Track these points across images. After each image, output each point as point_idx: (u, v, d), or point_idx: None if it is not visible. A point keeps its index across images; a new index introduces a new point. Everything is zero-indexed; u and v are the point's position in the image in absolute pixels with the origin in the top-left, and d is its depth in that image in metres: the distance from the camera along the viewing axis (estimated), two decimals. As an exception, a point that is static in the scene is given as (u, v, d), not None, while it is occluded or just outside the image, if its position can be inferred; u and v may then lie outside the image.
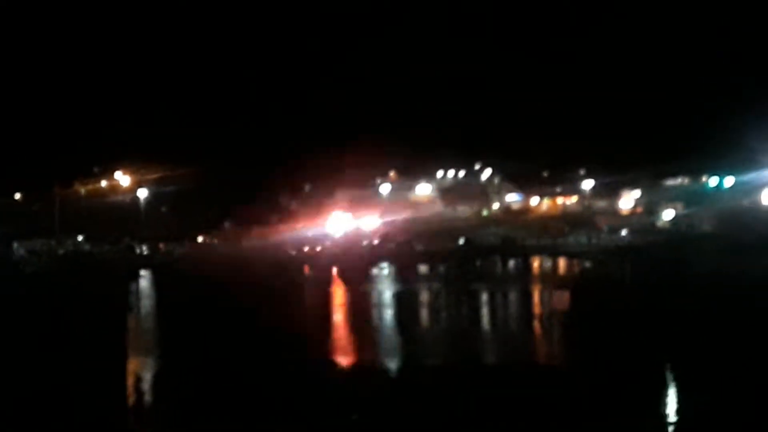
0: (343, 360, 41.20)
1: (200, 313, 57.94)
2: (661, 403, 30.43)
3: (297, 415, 29.39)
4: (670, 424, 28.14)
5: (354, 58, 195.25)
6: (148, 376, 37.88)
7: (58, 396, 32.29)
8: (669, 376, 34.93)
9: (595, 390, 32.01)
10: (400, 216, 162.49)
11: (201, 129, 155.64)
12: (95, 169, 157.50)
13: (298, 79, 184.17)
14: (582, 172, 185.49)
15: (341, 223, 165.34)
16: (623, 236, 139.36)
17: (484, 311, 65.03)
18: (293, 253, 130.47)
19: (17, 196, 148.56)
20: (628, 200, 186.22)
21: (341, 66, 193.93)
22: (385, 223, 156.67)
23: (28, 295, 75.24)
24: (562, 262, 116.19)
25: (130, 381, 36.77)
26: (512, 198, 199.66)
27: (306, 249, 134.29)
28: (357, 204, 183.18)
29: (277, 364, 38.26)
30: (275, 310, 60.85)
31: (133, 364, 40.70)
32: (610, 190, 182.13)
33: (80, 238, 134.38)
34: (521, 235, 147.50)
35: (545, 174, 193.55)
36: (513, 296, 75.37)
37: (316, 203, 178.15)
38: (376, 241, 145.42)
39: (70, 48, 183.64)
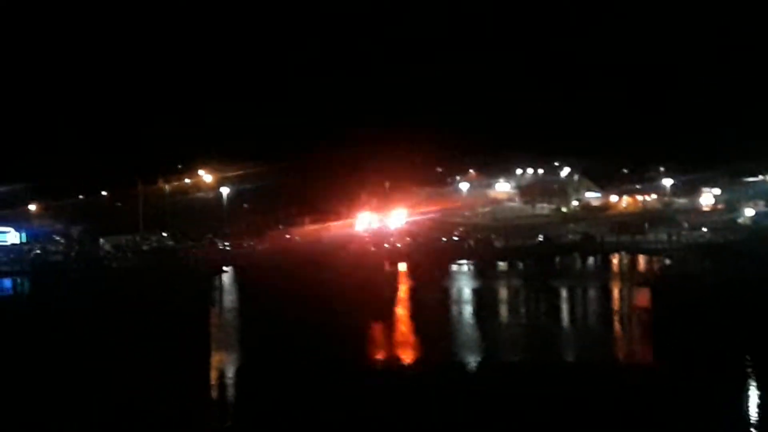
0: (414, 359, 41.78)
1: (287, 311, 58.52)
2: (746, 401, 30.69)
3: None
4: (754, 423, 28.37)
5: (433, 59, 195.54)
6: (233, 372, 38.74)
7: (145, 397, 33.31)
8: (753, 373, 35.11)
9: (677, 388, 32.26)
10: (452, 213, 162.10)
11: (281, 127, 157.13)
12: (179, 167, 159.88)
13: (378, 79, 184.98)
14: (662, 169, 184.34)
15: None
16: (704, 233, 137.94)
17: (564, 308, 65.30)
18: (373, 248, 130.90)
19: (103, 192, 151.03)
20: (708, 197, 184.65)
21: (420, 66, 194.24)
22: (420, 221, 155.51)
23: (112, 290, 76.41)
24: (641, 260, 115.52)
25: (214, 376, 37.64)
26: (591, 195, 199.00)
27: (386, 245, 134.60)
28: (435, 201, 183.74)
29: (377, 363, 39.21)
30: (361, 308, 61.45)
31: (217, 360, 41.54)
32: (690, 187, 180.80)
33: (164, 234, 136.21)
34: (600, 233, 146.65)
35: (625, 171, 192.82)
36: (593, 293, 75.44)
37: (395, 199, 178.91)
38: (455, 238, 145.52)
39: (155, 46, 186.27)
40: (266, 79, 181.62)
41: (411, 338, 47.69)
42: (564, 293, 74.29)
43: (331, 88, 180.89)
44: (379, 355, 42.84)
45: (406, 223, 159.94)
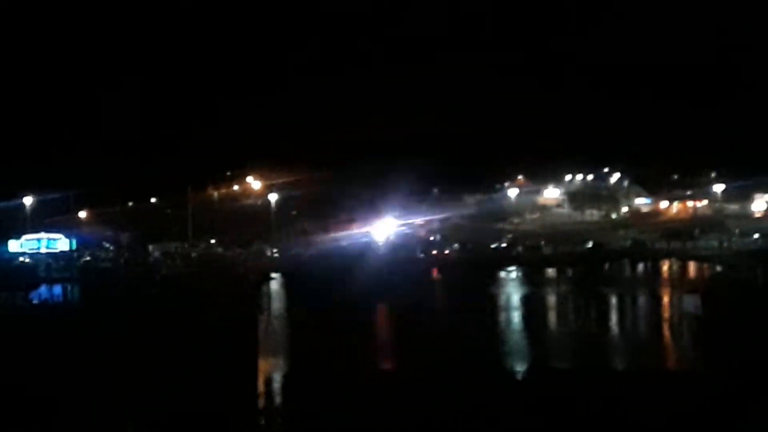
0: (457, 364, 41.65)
1: (338, 317, 58.59)
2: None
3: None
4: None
5: (481, 67, 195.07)
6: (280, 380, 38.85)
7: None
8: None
9: (727, 396, 31.96)
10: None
11: (329, 134, 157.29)
12: (228, 174, 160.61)
13: (422, 86, 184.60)
14: (713, 175, 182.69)
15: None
16: (755, 240, 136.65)
17: (613, 316, 64.93)
18: (421, 255, 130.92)
19: (152, 199, 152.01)
20: (760, 203, 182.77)
21: (470, 74, 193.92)
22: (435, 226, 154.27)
23: (161, 297, 76.73)
24: (692, 266, 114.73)
25: (263, 381, 37.78)
26: (641, 201, 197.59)
27: (434, 252, 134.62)
28: (483, 207, 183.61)
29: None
30: (411, 315, 61.58)
31: (265, 366, 41.66)
32: (741, 193, 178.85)
33: (212, 240, 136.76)
34: (651, 239, 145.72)
35: (675, 177, 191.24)
36: (643, 300, 74.97)
37: (442, 206, 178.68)
38: (504, 245, 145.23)
39: (207, 54, 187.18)
40: (313, 89, 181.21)
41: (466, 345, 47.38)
42: (614, 300, 73.85)
43: (374, 95, 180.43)
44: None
45: (454, 229, 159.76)
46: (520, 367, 40.42)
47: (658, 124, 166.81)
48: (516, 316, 64.28)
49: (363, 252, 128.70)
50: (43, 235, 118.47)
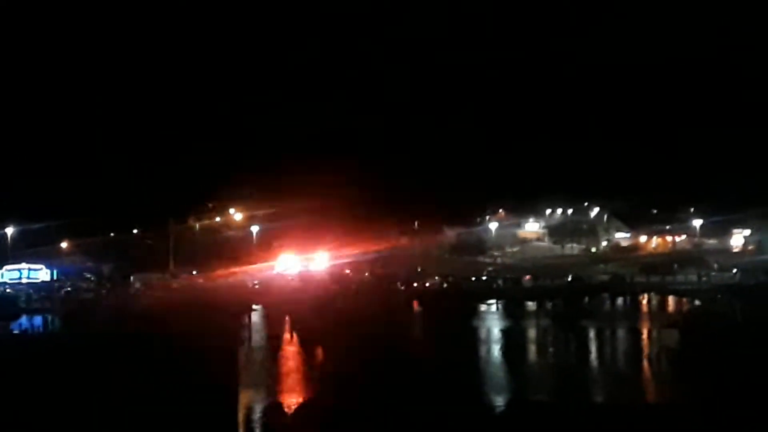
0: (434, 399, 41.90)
1: (323, 351, 58.90)
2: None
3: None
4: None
5: (464, 100, 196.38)
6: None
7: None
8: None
9: (704, 428, 32.36)
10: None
11: (310, 167, 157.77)
12: (209, 205, 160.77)
13: (410, 114, 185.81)
14: (692, 210, 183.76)
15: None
16: (734, 275, 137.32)
17: (593, 349, 65.35)
18: (402, 287, 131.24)
19: (134, 230, 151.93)
20: (738, 238, 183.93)
21: (455, 103, 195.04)
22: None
23: (141, 328, 76.66)
24: (671, 300, 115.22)
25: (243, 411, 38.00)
26: (621, 235, 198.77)
27: (415, 284, 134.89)
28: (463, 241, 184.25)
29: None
30: (392, 345, 61.93)
31: (244, 398, 41.91)
32: (720, 228, 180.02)
33: (194, 272, 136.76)
34: (630, 273, 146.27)
35: (654, 212, 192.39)
36: (622, 334, 75.39)
37: (424, 239, 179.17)
38: (484, 277, 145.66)
39: (190, 81, 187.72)
40: (295, 116, 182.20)
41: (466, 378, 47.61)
42: (593, 334, 74.29)
43: (359, 122, 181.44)
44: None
45: (435, 261, 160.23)
46: (500, 400, 40.65)
47: (638, 159, 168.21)
48: (496, 349, 64.59)
49: (345, 285, 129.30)
50: (24, 265, 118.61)
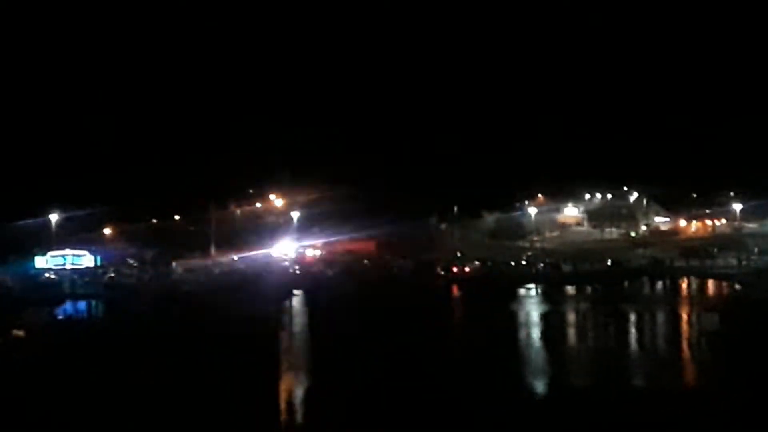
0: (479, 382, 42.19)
1: (358, 333, 59.25)
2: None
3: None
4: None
5: (502, 85, 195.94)
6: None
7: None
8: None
9: (744, 414, 32.43)
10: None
11: (350, 152, 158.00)
12: (250, 191, 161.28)
13: (450, 99, 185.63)
14: (732, 194, 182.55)
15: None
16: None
17: (633, 333, 65.37)
18: (441, 273, 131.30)
19: (176, 216, 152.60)
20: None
21: (498, 90, 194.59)
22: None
23: (185, 313, 77.28)
24: (711, 284, 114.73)
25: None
26: (660, 220, 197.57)
27: (454, 269, 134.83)
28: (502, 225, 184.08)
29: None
30: (435, 330, 62.38)
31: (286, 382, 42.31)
32: (760, 211, 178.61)
33: (235, 257, 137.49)
34: (669, 257, 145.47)
35: (694, 196, 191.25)
36: (662, 318, 75.30)
37: (462, 225, 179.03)
38: (523, 262, 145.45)
39: (233, 72, 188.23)
40: (337, 104, 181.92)
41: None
42: (633, 318, 74.26)
43: (398, 108, 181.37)
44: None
45: (474, 246, 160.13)
46: (541, 384, 40.97)
47: (678, 143, 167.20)
48: (536, 333, 64.85)
49: (384, 269, 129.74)
50: (68, 251, 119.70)
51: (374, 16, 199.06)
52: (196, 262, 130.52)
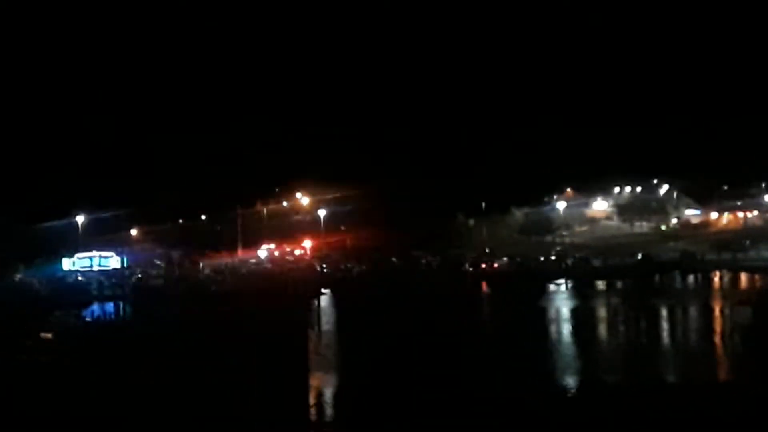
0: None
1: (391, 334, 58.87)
2: None
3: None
4: None
5: (529, 79, 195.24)
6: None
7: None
8: None
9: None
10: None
11: (380, 150, 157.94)
12: (276, 190, 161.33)
13: (477, 95, 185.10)
14: (763, 185, 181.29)
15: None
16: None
17: (665, 327, 64.64)
18: (470, 269, 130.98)
19: (202, 216, 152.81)
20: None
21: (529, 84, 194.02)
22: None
23: (213, 314, 76.97)
24: (743, 277, 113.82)
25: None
26: (691, 212, 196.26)
27: (483, 265, 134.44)
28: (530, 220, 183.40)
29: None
30: (466, 326, 61.96)
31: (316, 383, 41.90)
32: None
33: (262, 257, 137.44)
34: (701, 250, 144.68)
35: (725, 188, 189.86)
36: (694, 312, 74.52)
37: (490, 220, 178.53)
38: (553, 257, 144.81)
39: (254, 71, 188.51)
40: (364, 101, 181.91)
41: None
42: (664, 312, 73.49)
43: (426, 105, 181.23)
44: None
45: (503, 242, 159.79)
46: (572, 380, 40.34)
47: (708, 135, 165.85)
48: (567, 328, 64.19)
49: (411, 268, 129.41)
50: (95, 253, 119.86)
51: (399, 13, 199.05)
52: (223, 262, 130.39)
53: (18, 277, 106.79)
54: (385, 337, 55.80)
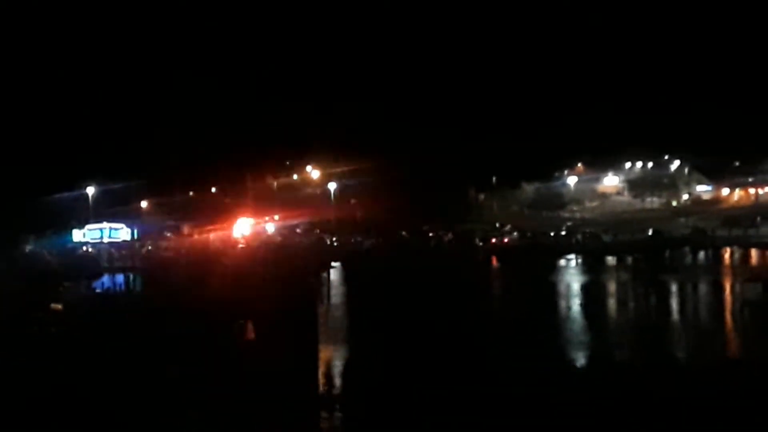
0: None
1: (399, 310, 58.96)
2: None
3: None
4: None
5: (541, 53, 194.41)
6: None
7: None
8: None
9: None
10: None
11: (390, 123, 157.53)
12: (286, 163, 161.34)
13: (487, 70, 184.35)
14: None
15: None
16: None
17: (675, 303, 64.59)
18: (480, 243, 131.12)
19: (212, 189, 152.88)
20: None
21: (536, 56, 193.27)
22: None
23: (223, 285, 76.98)
24: (754, 254, 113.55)
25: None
26: (702, 188, 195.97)
27: (493, 240, 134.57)
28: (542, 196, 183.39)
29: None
30: (477, 300, 62.05)
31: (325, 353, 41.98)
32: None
33: (271, 229, 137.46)
34: (711, 227, 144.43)
35: (736, 164, 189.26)
36: (704, 288, 74.39)
37: (501, 195, 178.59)
38: (563, 232, 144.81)
39: (268, 46, 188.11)
40: (374, 74, 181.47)
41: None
42: (675, 288, 73.44)
43: (436, 79, 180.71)
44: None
45: (513, 217, 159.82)
46: (583, 356, 40.36)
47: (719, 110, 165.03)
48: (576, 304, 64.16)
49: (421, 243, 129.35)
50: (105, 224, 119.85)
51: None
52: (232, 234, 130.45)
53: (28, 248, 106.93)
54: (395, 311, 55.95)
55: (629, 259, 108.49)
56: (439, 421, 28.48)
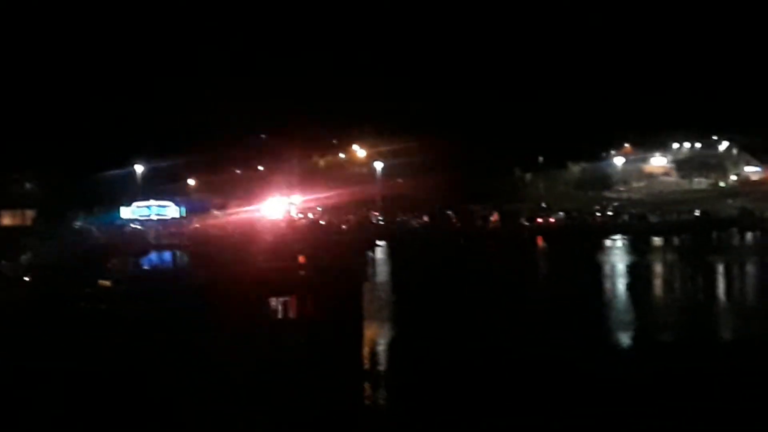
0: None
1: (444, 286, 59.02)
2: None
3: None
4: None
5: (588, 31, 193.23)
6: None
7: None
8: None
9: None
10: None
11: (437, 103, 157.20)
12: (334, 141, 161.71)
13: (533, 49, 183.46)
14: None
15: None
16: None
17: (722, 285, 64.21)
18: (526, 223, 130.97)
19: (259, 167, 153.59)
20: None
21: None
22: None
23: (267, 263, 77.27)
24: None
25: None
26: (751, 169, 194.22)
27: (539, 220, 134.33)
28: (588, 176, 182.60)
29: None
30: (524, 280, 62.14)
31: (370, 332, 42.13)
32: None
33: (319, 208, 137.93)
34: (760, 208, 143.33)
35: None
36: (752, 270, 73.90)
37: (547, 175, 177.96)
38: (609, 213, 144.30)
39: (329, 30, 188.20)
40: (420, 53, 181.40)
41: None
42: (722, 269, 73.01)
43: (483, 60, 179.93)
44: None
45: (559, 197, 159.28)
46: (628, 337, 40.24)
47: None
48: (623, 285, 63.95)
49: (468, 223, 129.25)
50: (153, 202, 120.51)
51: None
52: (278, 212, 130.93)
53: (78, 224, 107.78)
54: (440, 290, 56.10)
55: (676, 240, 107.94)
56: (486, 399, 28.47)
